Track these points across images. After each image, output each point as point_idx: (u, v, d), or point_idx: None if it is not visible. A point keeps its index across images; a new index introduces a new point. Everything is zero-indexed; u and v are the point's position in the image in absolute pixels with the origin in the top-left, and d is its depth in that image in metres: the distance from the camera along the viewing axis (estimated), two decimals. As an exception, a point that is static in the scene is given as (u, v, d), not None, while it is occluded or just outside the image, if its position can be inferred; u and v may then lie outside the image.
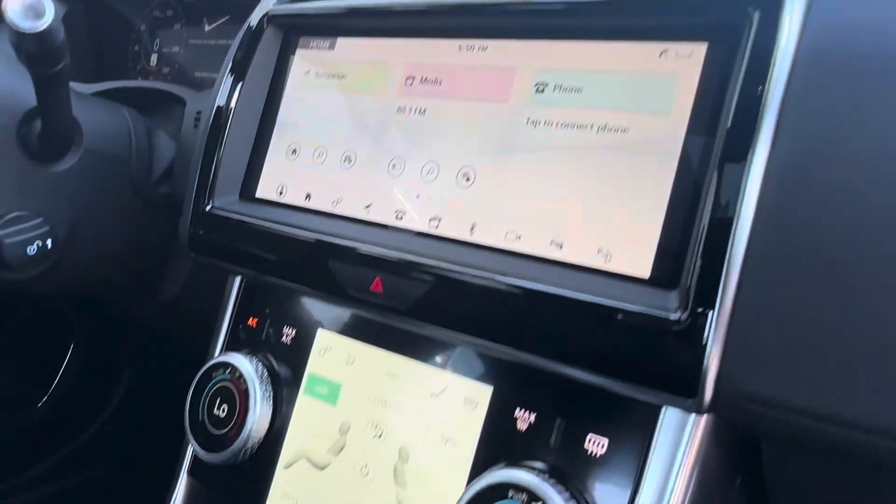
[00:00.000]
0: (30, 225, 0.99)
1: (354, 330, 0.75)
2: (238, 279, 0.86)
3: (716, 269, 0.52)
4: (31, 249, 0.98)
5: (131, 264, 1.11)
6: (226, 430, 0.77)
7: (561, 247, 0.61)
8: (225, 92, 0.85)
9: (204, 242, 0.84)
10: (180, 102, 1.13)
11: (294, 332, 0.79)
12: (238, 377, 0.78)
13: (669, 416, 0.57)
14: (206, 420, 0.79)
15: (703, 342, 0.51)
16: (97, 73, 1.38)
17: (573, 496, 0.58)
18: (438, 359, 0.69)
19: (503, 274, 0.61)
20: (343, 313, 0.76)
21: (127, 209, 1.08)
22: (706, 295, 0.52)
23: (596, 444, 0.59)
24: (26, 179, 0.99)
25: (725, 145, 0.53)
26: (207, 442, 0.78)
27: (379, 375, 0.72)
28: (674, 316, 0.52)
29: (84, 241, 1.04)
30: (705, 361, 0.51)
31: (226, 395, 0.78)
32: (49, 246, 1.00)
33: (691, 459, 0.56)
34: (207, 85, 1.06)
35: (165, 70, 1.38)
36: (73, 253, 1.03)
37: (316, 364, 0.77)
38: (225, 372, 0.79)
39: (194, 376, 0.81)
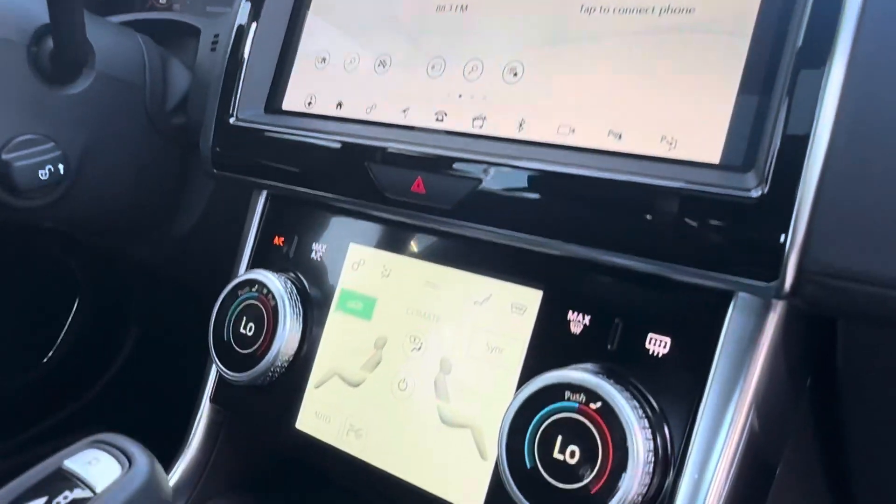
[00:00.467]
0: (41, 149, 0.95)
1: (389, 242, 0.72)
2: (262, 199, 0.82)
3: (799, 146, 0.48)
4: (43, 174, 0.94)
5: (144, 196, 1.07)
6: (253, 348, 0.73)
7: (620, 137, 0.58)
8: (247, 2, 0.81)
9: (228, 158, 0.80)
10: (195, 34, 1.09)
11: (324, 247, 0.76)
12: (266, 294, 0.74)
13: (739, 309, 0.53)
14: (232, 340, 0.75)
15: (787, 219, 0.47)
16: (106, 6, 1.33)
17: (634, 396, 0.54)
18: (482, 265, 0.65)
19: (558, 164, 0.57)
20: (376, 226, 0.73)
21: (141, 138, 1.04)
22: (788, 172, 0.48)
23: (658, 344, 0.56)
24: (37, 101, 0.95)
25: (811, 14, 0.49)
26: (233, 362, 0.74)
27: (417, 287, 0.69)
28: (754, 193, 0.49)
29: (96, 168, 1.00)
30: (788, 240, 0.47)
31: (253, 314, 0.74)
32: (61, 171, 0.96)
33: (763, 353, 0.52)
34: (221, 19, 1.02)
35: (176, 6, 1.33)
36: (86, 181, 0.99)
37: (348, 279, 0.73)
38: (252, 289, 0.75)
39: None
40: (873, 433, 0.58)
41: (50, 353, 1.81)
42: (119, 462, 0.45)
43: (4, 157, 0.92)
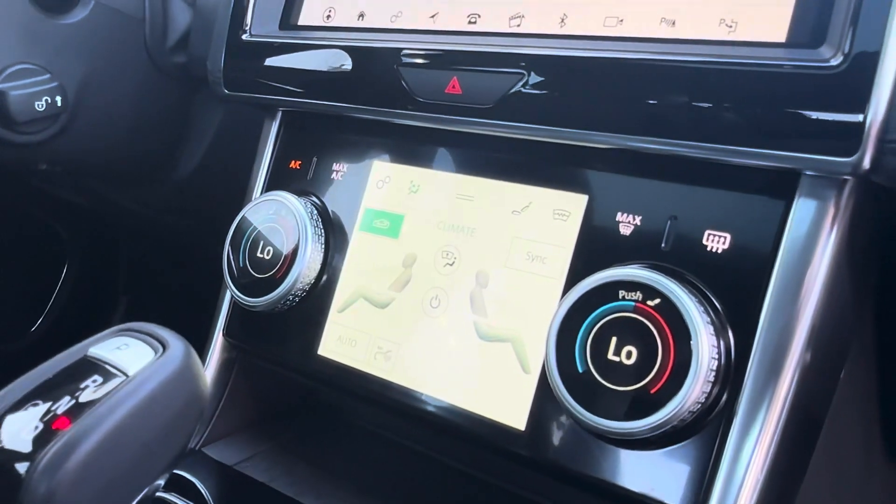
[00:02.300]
0: (37, 79, 0.90)
1: (417, 156, 0.68)
2: (276, 123, 0.78)
3: (879, 15, 0.45)
4: (40, 105, 0.90)
5: (143, 136, 1.02)
6: (272, 272, 0.69)
7: (674, 24, 0.54)
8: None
9: (241, 77, 0.76)
10: (195, -31, 1.04)
11: (345, 167, 0.72)
12: (285, 216, 0.70)
13: (805, 196, 0.50)
14: (249, 265, 0.71)
15: (867, 89, 0.44)
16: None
17: (693, 293, 0.51)
18: (519, 173, 0.62)
19: (607, 52, 0.54)
20: (402, 141, 0.69)
21: (140, 75, 0.99)
22: (867, 39, 0.45)
23: (717, 241, 0.53)
24: (33, 30, 0.90)
25: None
26: (250, 288, 0.70)
27: (448, 200, 0.65)
28: (833, 62, 0.45)
29: (95, 104, 0.95)
30: (870, 110, 0.44)
31: (271, 237, 0.70)
32: (58, 103, 0.91)
33: (831, 244, 0.49)
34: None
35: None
36: (84, 116, 0.95)
37: (373, 197, 0.69)
38: (269, 212, 0.71)
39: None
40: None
41: (38, 322, 1.76)
42: (151, 347, 0.41)
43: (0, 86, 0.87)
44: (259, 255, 0.71)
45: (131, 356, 0.41)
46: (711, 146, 0.51)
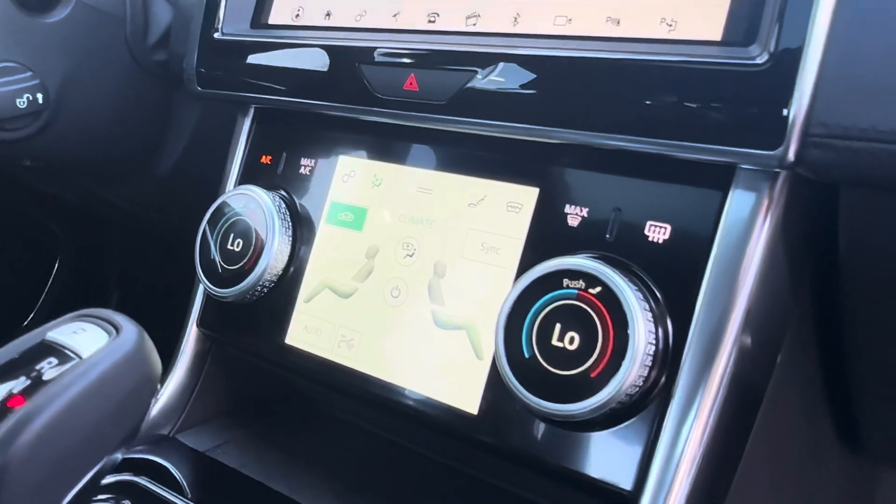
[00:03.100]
0: (19, 77, 0.92)
1: (380, 151, 0.70)
2: (248, 119, 0.80)
3: (802, 11, 0.47)
4: (21, 102, 0.92)
5: (125, 132, 1.05)
6: (241, 264, 0.72)
7: (618, 23, 0.56)
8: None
9: (214, 75, 0.78)
10: (176, -31, 1.06)
11: (313, 162, 0.74)
12: (253, 209, 0.72)
13: (740, 188, 0.52)
14: (219, 257, 0.73)
15: (790, 85, 0.46)
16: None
17: (635, 282, 0.53)
18: (475, 167, 0.64)
19: (556, 50, 0.56)
20: (367, 137, 0.71)
21: (121, 73, 1.01)
22: (792, 39, 0.47)
23: (657, 231, 0.55)
24: (14, 29, 0.93)
25: None
26: (220, 280, 0.73)
27: (409, 194, 0.67)
28: (759, 60, 0.48)
29: (76, 101, 0.97)
30: (792, 105, 0.46)
31: (240, 229, 0.73)
32: (40, 100, 0.93)
33: (765, 234, 0.51)
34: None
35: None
36: (66, 113, 0.97)
37: (339, 191, 0.71)
38: (239, 205, 0.73)
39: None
40: (873, 319, 0.57)
41: (30, 317, 1.78)
42: (106, 331, 0.44)
43: (-20, 84, 0.89)
44: (229, 247, 0.73)
45: (86, 340, 0.43)
46: (651, 140, 0.53)
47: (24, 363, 0.42)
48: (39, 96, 0.93)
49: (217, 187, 0.84)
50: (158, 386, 0.46)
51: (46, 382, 0.40)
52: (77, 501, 0.42)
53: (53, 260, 1.76)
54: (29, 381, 0.41)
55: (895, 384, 0.62)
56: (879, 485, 0.94)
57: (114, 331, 0.44)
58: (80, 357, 0.42)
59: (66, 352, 0.42)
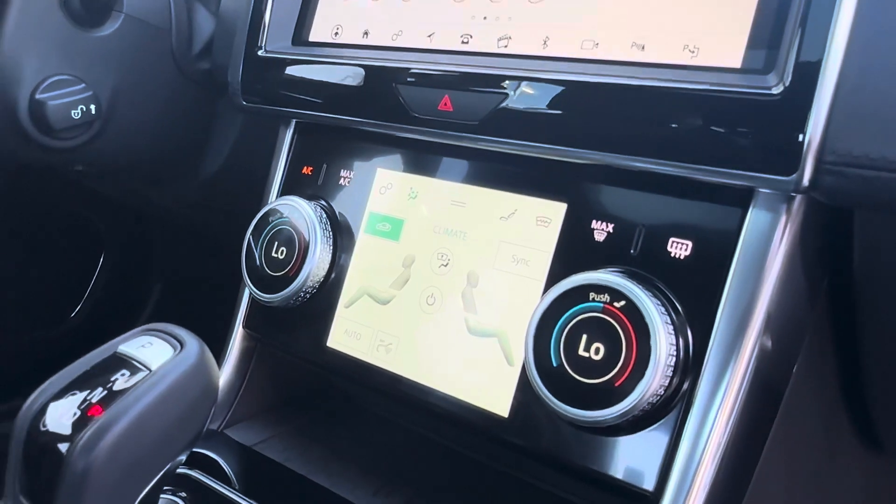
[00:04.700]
0: (73, 89, 0.97)
1: (416, 165, 0.74)
2: (290, 131, 0.85)
3: (818, 44, 0.49)
4: (76, 113, 0.97)
5: (170, 139, 1.10)
6: (285, 271, 0.76)
7: (643, 48, 0.59)
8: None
9: (257, 90, 0.82)
10: (218, -21, 1.10)
11: (352, 174, 0.78)
12: (297, 219, 0.76)
13: (758, 208, 0.55)
14: (265, 263, 0.78)
15: (805, 114, 0.49)
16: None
17: (657, 296, 0.56)
18: (506, 183, 0.67)
19: (583, 74, 0.59)
20: (403, 151, 0.75)
21: (167, 82, 1.06)
22: (807, 68, 0.50)
23: (679, 248, 0.58)
24: (68, 43, 0.98)
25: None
26: (265, 285, 0.77)
27: (444, 206, 0.71)
28: (774, 91, 0.50)
29: (125, 110, 1.03)
30: (807, 133, 0.49)
31: (284, 238, 0.77)
32: (93, 111, 0.98)
33: (781, 251, 0.54)
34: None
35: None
36: (115, 122, 1.02)
37: (377, 202, 0.75)
38: (283, 215, 0.78)
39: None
40: (887, 328, 0.59)
41: (77, 308, 1.85)
42: (171, 345, 0.48)
43: (39, 96, 0.95)
44: (274, 254, 0.77)
45: (154, 353, 0.48)
46: (672, 163, 0.56)
47: (99, 374, 0.47)
48: (92, 107, 0.98)
49: (259, 190, 0.88)
50: (218, 394, 0.50)
51: (120, 393, 0.45)
52: (147, 499, 0.47)
53: (98, 254, 1.83)
54: (105, 392, 0.45)
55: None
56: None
57: (178, 345, 0.48)
58: (149, 369, 0.46)
59: (136, 364, 0.47)
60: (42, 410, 0.46)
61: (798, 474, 0.66)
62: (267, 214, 0.79)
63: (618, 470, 0.58)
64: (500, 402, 0.63)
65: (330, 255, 0.76)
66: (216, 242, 1.75)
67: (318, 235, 0.75)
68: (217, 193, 1.18)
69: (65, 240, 1.78)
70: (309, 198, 0.79)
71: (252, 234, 0.79)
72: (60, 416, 0.46)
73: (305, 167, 0.82)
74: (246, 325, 0.84)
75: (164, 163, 1.13)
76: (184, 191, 1.22)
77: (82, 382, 0.47)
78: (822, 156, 0.49)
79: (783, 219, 0.54)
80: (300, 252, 0.75)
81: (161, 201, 1.31)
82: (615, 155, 0.58)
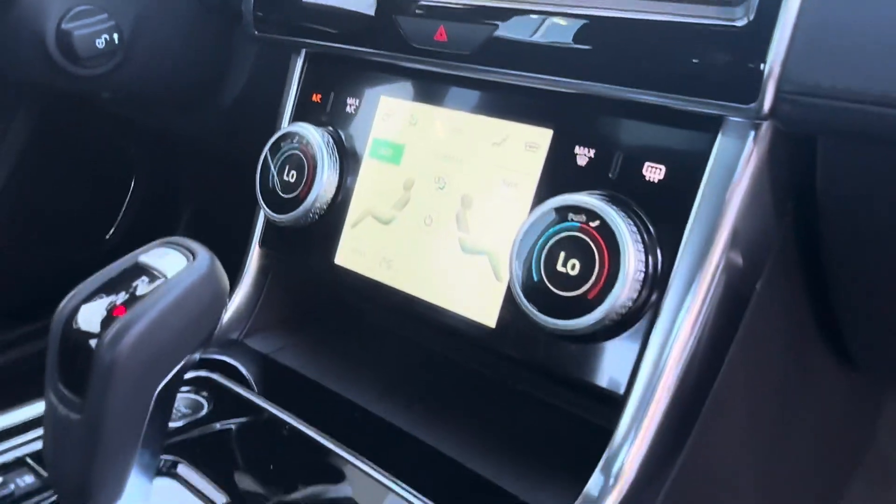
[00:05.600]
0: (97, 19, 1.02)
1: (416, 93, 0.78)
2: (300, 60, 0.89)
3: (782, -23, 0.52)
4: (100, 42, 1.02)
5: (191, 67, 1.14)
6: (295, 193, 0.82)
7: (623, -19, 0.62)
8: None
9: (268, 20, 0.86)
10: None
11: (357, 101, 0.82)
12: (306, 144, 0.81)
13: (726, 135, 0.59)
14: (277, 186, 0.83)
15: (766, 46, 0.52)
16: None
17: (630, 217, 0.61)
18: (499, 111, 0.71)
19: (565, 6, 0.62)
20: (405, 80, 0.79)
21: (186, 11, 1.10)
22: (770, 3, 0.53)
23: (654, 171, 0.62)
24: (90, -26, 1.02)
25: None
26: (278, 206, 0.83)
27: (442, 133, 0.75)
28: (739, 23, 0.54)
29: (147, 39, 1.07)
30: (767, 64, 0.52)
31: (295, 162, 0.82)
32: (116, 41, 1.03)
33: (747, 174, 0.58)
34: None
35: None
36: (138, 51, 1.07)
37: (379, 128, 0.80)
38: (293, 141, 0.83)
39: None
40: (849, 251, 0.64)
41: (111, 230, 1.94)
42: (185, 256, 0.54)
43: (65, 26, 0.99)
44: (286, 177, 0.83)
45: (170, 263, 0.54)
46: (649, 92, 0.60)
47: (122, 281, 0.53)
48: (115, 36, 1.03)
49: (274, 117, 0.93)
50: (227, 300, 0.56)
51: (141, 297, 0.51)
52: (165, 392, 0.54)
53: (130, 180, 1.91)
54: (127, 296, 0.52)
55: (874, 303, 0.69)
56: (886, 403, 1.01)
57: (191, 256, 0.54)
58: (165, 277, 0.52)
59: (155, 272, 0.53)
60: (74, 311, 0.53)
61: (763, 383, 0.71)
62: (279, 140, 0.84)
63: (591, 375, 0.64)
64: (488, 313, 0.69)
65: (337, 178, 0.81)
66: (238, 167, 1.81)
67: (325, 160, 0.80)
68: (237, 120, 1.23)
69: (98, 167, 1.86)
70: (318, 124, 0.84)
71: (266, 157, 0.85)
72: (90, 316, 0.52)
73: (315, 95, 0.87)
74: (262, 244, 0.90)
75: (186, 90, 1.18)
76: (206, 118, 1.27)
77: (108, 287, 0.53)
78: (781, 85, 0.53)
79: (749, 144, 0.58)
80: (309, 175, 0.81)
81: (186, 128, 1.37)
82: (595, 84, 0.62)
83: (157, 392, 0.53)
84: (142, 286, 0.52)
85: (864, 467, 1.10)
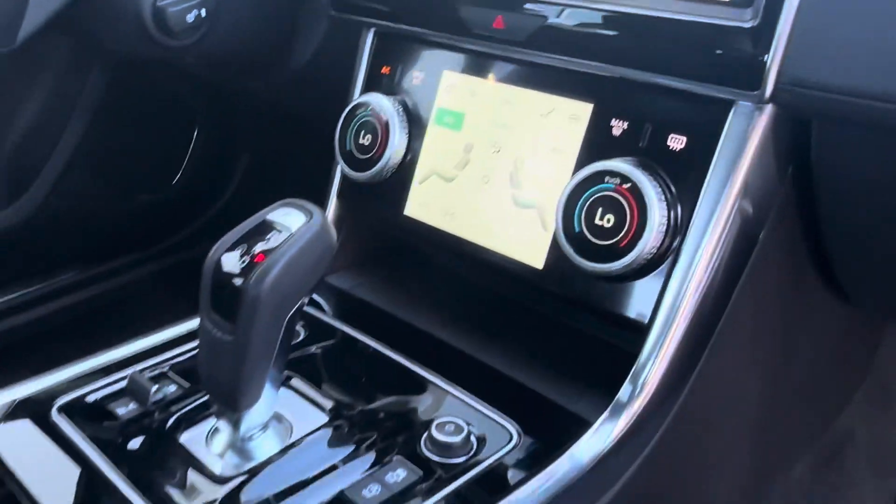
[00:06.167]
0: (186, -4, 1.15)
1: (475, 69, 0.91)
2: (370, 37, 1.02)
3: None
4: (190, 17, 1.16)
5: (265, 35, 1.28)
6: (370, 154, 0.96)
7: (655, -19, 0.74)
8: None
9: (345, 1, 0.99)
10: None
11: (422, 74, 0.96)
12: (379, 112, 0.95)
13: (737, 114, 0.72)
14: (353, 148, 0.97)
15: (768, 44, 0.65)
16: None
17: (656, 179, 0.74)
18: (547, 86, 0.85)
19: (609, 4, 0.75)
20: (465, 56, 0.92)
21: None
22: (773, 9, 0.65)
23: (676, 141, 0.75)
24: (179, -45, 1.15)
25: None
26: (355, 165, 0.97)
27: (497, 104, 0.89)
28: (748, 24, 0.66)
29: (227, 13, 1.20)
30: (769, 59, 0.65)
31: (369, 128, 0.96)
32: (203, 15, 1.17)
33: (753, 145, 0.71)
34: None
35: None
36: (220, 23, 1.20)
37: (443, 99, 0.94)
38: (367, 109, 0.97)
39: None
40: (839, 206, 0.77)
41: (177, 176, 2.11)
42: (304, 214, 0.69)
43: (159, 4, 1.13)
44: (361, 140, 0.97)
45: (292, 220, 0.69)
46: (674, 78, 0.73)
47: (256, 235, 0.69)
48: (203, 11, 1.16)
49: (337, 81, 1.07)
50: (335, 249, 0.71)
51: (274, 247, 0.66)
52: (291, 321, 0.70)
53: (192, 131, 2.07)
54: (263, 246, 0.67)
55: (861, 249, 0.82)
56: (886, 335, 1.15)
57: (309, 214, 0.69)
58: (291, 231, 0.68)
59: (282, 228, 0.68)
60: (219, 258, 0.68)
61: (766, 314, 0.85)
62: (354, 108, 0.98)
63: (621, 308, 0.78)
64: (536, 257, 0.84)
65: (406, 142, 0.95)
66: (296, 123, 1.96)
67: (396, 126, 0.94)
68: (304, 84, 1.36)
69: (164, 120, 2.02)
70: (388, 94, 0.97)
71: (342, 123, 0.99)
72: (234, 262, 0.68)
73: (384, 67, 1.00)
74: (339, 197, 1.05)
75: (258, 57, 1.31)
76: (275, 81, 1.41)
77: (246, 240, 0.69)
78: (780, 77, 0.66)
79: (755, 122, 0.71)
80: (383, 139, 0.95)
81: (254, 87, 1.51)
82: (629, 69, 0.75)
83: (286, 320, 0.69)
84: (274, 239, 0.68)
85: (864, 391, 1.24)
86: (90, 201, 1.97)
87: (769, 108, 0.70)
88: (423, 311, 0.97)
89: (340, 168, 1.01)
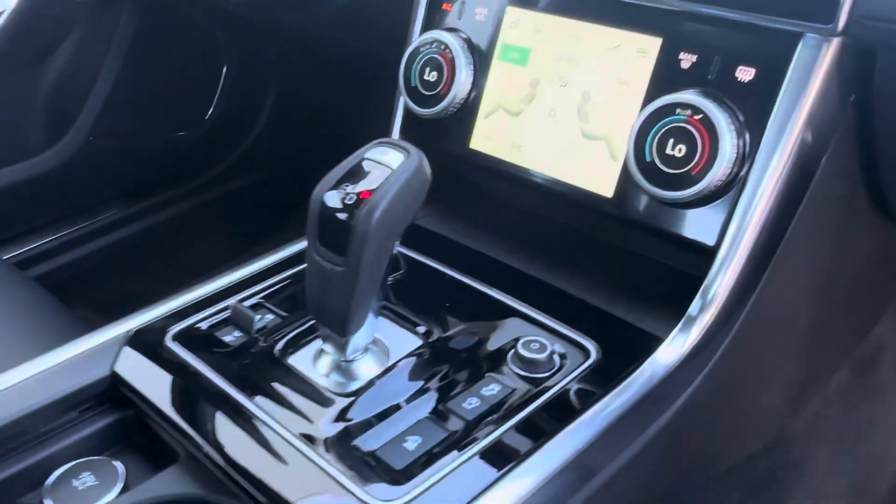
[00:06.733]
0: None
1: (540, 4, 0.94)
2: (429, -29, 1.04)
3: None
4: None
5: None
6: (436, 91, 1.00)
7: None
8: None
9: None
10: None
11: (486, 10, 0.99)
12: (444, 49, 0.99)
13: (805, 46, 0.76)
14: (419, 84, 1.01)
15: (844, -23, 0.69)
16: None
17: (726, 110, 0.79)
18: (614, 20, 0.88)
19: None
20: (528, -8, 0.95)
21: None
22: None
23: (745, 73, 0.79)
24: None
25: None
26: (420, 101, 1.01)
27: (563, 38, 0.92)
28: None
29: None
30: (843, -4, 0.69)
31: (435, 64, 1.00)
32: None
33: (819, 76, 0.76)
34: None
35: None
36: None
37: (507, 35, 0.97)
38: (432, 45, 1.00)
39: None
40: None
41: (210, 111, 2.14)
42: (401, 152, 0.74)
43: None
44: (426, 77, 1.01)
45: (391, 158, 0.74)
46: (745, 12, 0.76)
47: (359, 173, 0.74)
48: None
49: (393, 18, 1.10)
50: (429, 184, 0.76)
51: (379, 184, 0.72)
52: (390, 253, 0.75)
53: (222, 67, 2.10)
54: (367, 182, 0.72)
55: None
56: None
57: (406, 152, 0.74)
58: (392, 169, 0.73)
59: (383, 165, 0.73)
60: (324, 197, 0.73)
61: (821, 236, 0.91)
62: (419, 45, 1.01)
63: (691, 232, 0.84)
64: (605, 186, 0.89)
65: (472, 78, 0.99)
66: (330, 60, 1.98)
67: (462, 62, 0.98)
68: (349, 17, 1.39)
69: (195, 56, 2.04)
70: (450, 30, 1.00)
71: (406, 61, 1.02)
72: (337, 199, 0.73)
73: (445, 4, 1.03)
74: (402, 132, 1.09)
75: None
76: (318, 14, 1.43)
77: (347, 178, 0.74)
78: (854, 10, 0.69)
79: (823, 54, 0.75)
80: (448, 75, 0.99)
81: (299, 22, 1.53)
82: (698, 4, 0.79)
83: (390, 252, 0.75)
84: (376, 176, 0.73)
85: (893, 307, 1.31)
86: (128, 139, 2.02)
87: (836, 40, 0.74)
88: (491, 241, 1.03)
89: (403, 103, 1.05)
